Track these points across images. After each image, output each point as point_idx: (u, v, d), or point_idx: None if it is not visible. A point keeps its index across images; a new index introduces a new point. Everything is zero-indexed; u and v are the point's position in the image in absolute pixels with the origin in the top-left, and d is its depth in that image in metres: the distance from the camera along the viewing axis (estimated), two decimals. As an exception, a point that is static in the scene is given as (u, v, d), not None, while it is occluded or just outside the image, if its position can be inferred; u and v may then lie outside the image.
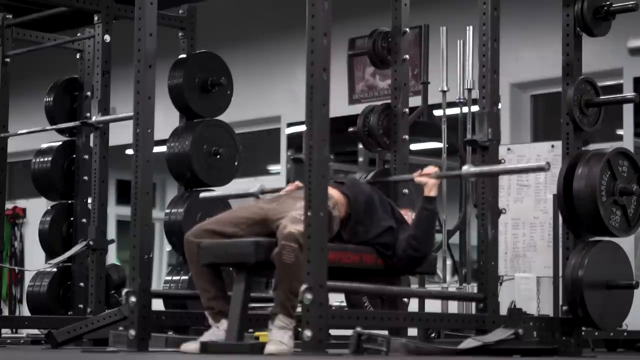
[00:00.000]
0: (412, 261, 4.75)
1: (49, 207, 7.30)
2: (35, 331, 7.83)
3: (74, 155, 7.13)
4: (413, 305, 6.50)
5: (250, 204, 4.84)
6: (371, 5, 8.40)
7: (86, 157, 7.01)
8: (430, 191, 4.76)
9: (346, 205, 4.68)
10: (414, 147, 6.39)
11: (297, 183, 4.99)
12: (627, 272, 5.29)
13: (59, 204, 7.24)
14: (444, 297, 7.05)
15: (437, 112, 7.81)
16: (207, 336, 4.65)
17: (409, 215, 4.94)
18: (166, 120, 6.83)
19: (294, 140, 10.70)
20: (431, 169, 4.82)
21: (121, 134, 7.45)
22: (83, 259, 6.92)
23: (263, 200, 4.82)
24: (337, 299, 7.86)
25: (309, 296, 4.04)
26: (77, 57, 7.40)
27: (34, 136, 7.44)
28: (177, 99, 6.66)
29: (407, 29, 5.66)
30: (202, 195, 6.29)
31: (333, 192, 4.61)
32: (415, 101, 6.95)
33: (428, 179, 4.78)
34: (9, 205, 11.47)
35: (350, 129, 5.75)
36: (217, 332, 4.62)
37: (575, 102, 5.23)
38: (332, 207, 4.54)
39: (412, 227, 4.76)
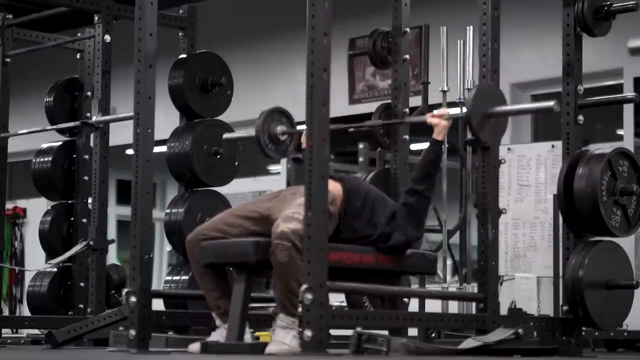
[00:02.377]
0: (410, 211, 4.71)
1: (49, 207, 7.30)
2: (36, 331, 7.83)
3: (74, 155, 7.13)
4: (413, 305, 6.50)
5: (249, 202, 4.84)
6: (371, 5, 8.40)
7: (86, 157, 7.01)
8: (439, 134, 4.75)
9: (343, 199, 4.66)
10: (414, 147, 6.39)
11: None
12: (628, 272, 5.29)
13: (59, 204, 7.24)
14: (444, 297, 7.05)
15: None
16: (214, 336, 4.66)
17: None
18: (166, 120, 6.83)
19: (295, 140, 10.69)
20: (444, 111, 4.81)
21: (121, 134, 7.45)
22: (83, 259, 6.91)
23: (261, 199, 4.81)
24: (337, 299, 7.88)
25: (309, 296, 4.04)
26: (78, 57, 7.40)
27: (34, 136, 7.44)
28: (178, 99, 6.66)
29: (408, 29, 5.66)
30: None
31: (331, 186, 4.61)
32: (415, 101, 6.94)
33: (440, 120, 4.76)
34: (9, 205, 11.48)
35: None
36: (224, 332, 4.62)
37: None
38: (330, 202, 4.54)
39: (416, 169, 4.76)
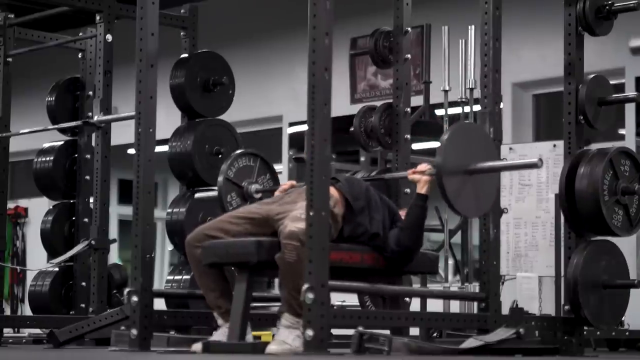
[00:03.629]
0: (400, 256, 4.74)
1: (51, 207, 7.30)
2: (37, 331, 7.83)
3: (76, 155, 7.13)
4: (415, 304, 6.50)
5: (250, 205, 4.84)
6: (373, 4, 8.40)
7: (88, 156, 7.01)
8: (422, 188, 4.75)
9: (344, 202, 4.67)
10: (415, 146, 6.40)
11: (292, 182, 5.00)
12: (626, 271, 5.30)
13: (61, 203, 7.24)
14: (446, 296, 7.05)
15: (439, 112, 7.81)
16: (217, 336, 4.66)
17: (408, 216, 4.94)
18: (168, 119, 6.83)
19: (296, 140, 10.71)
20: (424, 167, 4.79)
21: (123, 134, 7.46)
22: (85, 258, 6.91)
23: (263, 202, 4.82)
24: (339, 299, 7.88)
25: (310, 296, 4.04)
26: (79, 56, 7.40)
27: (35, 136, 7.44)
28: (179, 99, 6.66)
29: (409, 29, 5.67)
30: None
31: (331, 191, 4.61)
32: (417, 100, 6.95)
33: (421, 176, 4.76)
34: (11, 205, 11.50)
35: (351, 130, 5.75)
36: (226, 332, 4.62)
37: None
38: (333, 206, 4.54)
39: (403, 222, 4.77)
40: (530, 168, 4.49)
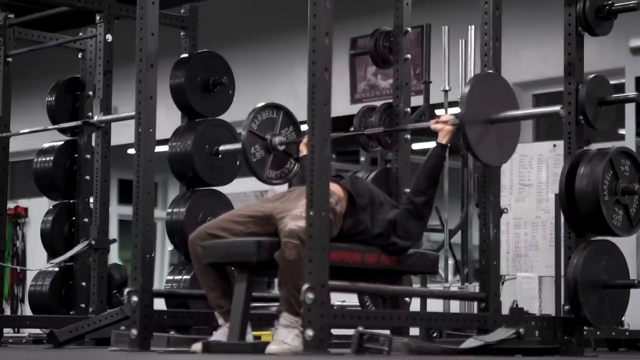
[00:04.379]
0: (415, 212, 4.71)
1: (51, 207, 7.30)
2: (37, 331, 7.84)
3: (76, 155, 7.13)
4: (415, 304, 6.50)
5: (252, 203, 4.84)
6: (373, 4, 8.40)
7: (88, 156, 7.01)
8: (444, 138, 4.74)
9: (347, 199, 4.68)
10: (415, 146, 6.39)
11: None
12: (625, 271, 5.30)
13: (61, 203, 7.23)
14: (446, 296, 7.05)
15: (439, 112, 7.81)
16: (217, 336, 4.66)
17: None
18: (168, 119, 6.83)
19: (296, 140, 10.70)
20: (448, 117, 4.79)
21: (123, 134, 7.46)
22: (85, 258, 6.91)
23: (265, 199, 4.82)
24: (339, 299, 7.88)
25: (310, 295, 4.04)
26: (79, 56, 7.39)
27: (35, 136, 7.44)
28: (179, 99, 6.66)
29: (409, 29, 5.66)
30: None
31: (334, 188, 4.61)
32: (417, 100, 6.95)
33: (444, 125, 4.76)
34: (11, 205, 11.50)
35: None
36: (226, 332, 4.63)
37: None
38: (335, 203, 4.55)
39: (418, 172, 4.76)
40: (552, 115, 4.60)
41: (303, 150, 5.00)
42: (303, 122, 4.25)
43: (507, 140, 4.73)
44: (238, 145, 5.23)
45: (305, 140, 4.94)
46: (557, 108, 4.59)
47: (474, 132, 4.56)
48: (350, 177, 4.82)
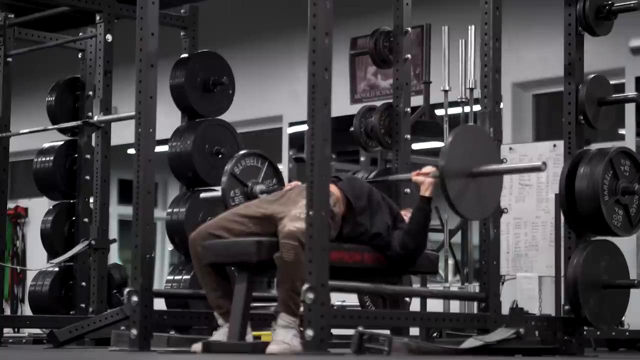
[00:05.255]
0: (404, 258, 4.74)
1: (51, 207, 7.30)
2: (37, 331, 7.84)
3: (76, 155, 7.13)
4: (415, 304, 6.50)
5: (252, 203, 4.83)
6: (373, 4, 8.40)
7: (88, 156, 7.01)
8: (426, 191, 4.74)
9: (345, 201, 4.68)
10: (415, 146, 6.39)
11: (297, 183, 4.99)
12: (627, 271, 5.30)
13: (61, 203, 7.24)
14: (446, 296, 7.05)
15: (439, 112, 7.81)
16: (217, 336, 4.66)
17: (408, 216, 4.93)
18: (168, 119, 6.83)
19: (296, 140, 10.71)
20: (429, 169, 4.78)
21: (123, 134, 7.46)
22: (85, 258, 6.91)
23: (265, 199, 4.82)
24: (339, 299, 7.88)
25: (310, 295, 4.04)
26: (79, 56, 7.39)
27: (35, 136, 7.44)
28: (179, 99, 6.66)
29: (409, 29, 5.66)
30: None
31: (333, 189, 4.61)
32: (417, 100, 6.96)
33: (425, 178, 4.76)
34: (11, 205, 11.49)
35: (351, 129, 5.75)
36: (226, 332, 4.62)
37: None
38: (334, 204, 4.54)
39: (407, 225, 4.77)
40: (533, 171, 4.50)
41: None
42: (303, 122, 4.25)
43: (489, 195, 4.61)
44: (218, 193, 5.20)
45: (286, 187, 4.95)
46: (538, 163, 4.50)
47: (454, 185, 4.44)
48: (348, 179, 4.82)
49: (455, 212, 4.53)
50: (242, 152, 5.21)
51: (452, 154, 4.43)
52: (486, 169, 4.53)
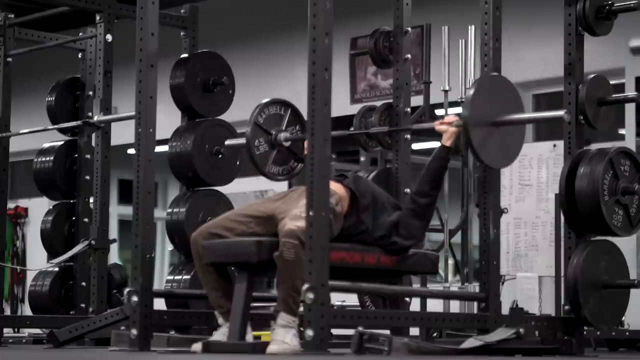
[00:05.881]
0: (418, 212, 4.70)
1: (51, 207, 7.30)
2: (37, 331, 7.84)
3: (76, 155, 7.13)
4: (415, 304, 6.50)
5: (255, 202, 4.84)
6: (373, 4, 8.40)
7: (88, 156, 7.01)
8: (448, 140, 4.72)
9: (349, 200, 4.68)
10: (415, 146, 6.39)
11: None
12: (627, 271, 5.30)
13: (61, 203, 7.24)
14: (446, 296, 7.05)
15: (439, 112, 7.81)
16: (217, 336, 4.66)
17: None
18: (168, 119, 6.83)
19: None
20: (452, 118, 4.77)
21: (123, 134, 7.46)
22: (85, 258, 6.91)
23: (267, 199, 4.82)
24: (339, 299, 7.88)
25: (310, 295, 4.04)
26: (79, 56, 7.39)
27: (35, 136, 7.44)
28: (179, 99, 6.66)
29: (409, 29, 5.66)
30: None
31: (336, 187, 4.61)
32: (417, 100, 6.95)
33: (448, 127, 4.74)
34: (11, 205, 11.49)
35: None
36: (226, 331, 4.62)
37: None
38: (336, 203, 4.54)
39: (422, 173, 4.75)
40: (556, 120, 4.58)
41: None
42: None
43: (511, 143, 4.71)
44: (242, 141, 5.14)
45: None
46: (560, 112, 4.57)
47: (478, 134, 4.54)
48: (353, 177, 4.82)
49: (478, 160, 4.62)
50: (264, 101, 5.13)
51: (475, 103, 4.47)
52: (509, 118, 4.58)
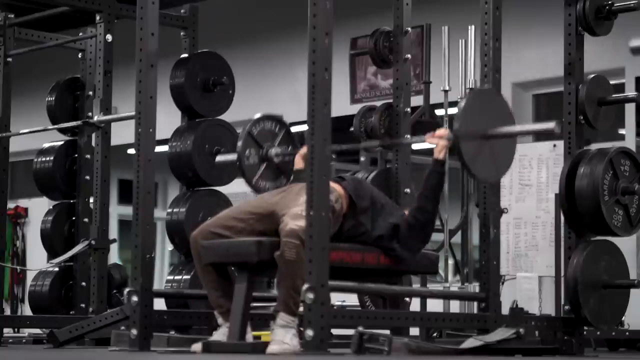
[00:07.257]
0: (418, 228, 4.70)
1: (51, 207, 7.30)
2: (37, 331, 7.84)
3: (76, 155, 7.13)
4: (415, 304, 6.50)
5: (253, 199, 4.83)
6: (373, 4, 8.40)
7: (88, 156, 7.01)
8: (440, 153, 4.72)
9: (348, 201, 4.67)
10: (415, 146, 6.39)
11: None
12: (627, 271, 5.30)
13: (61, 203, 7.24)
14: (446, 296, 7.05)
15: (439, 112, 7.81)
16: (217, 336, 4.65)
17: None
18: (168, 119, 6.82)
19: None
20: (443, 131, 4.76)
21: (123, 134, 7.46)
22: (85, 258, 6.91)
23: (267, 194, 4.81)
24: (339, 299, 7.88)
25: (310, 295, 4.04)
26: (79, 56, 7.39)
27: (35, 136, 7.45)
28: (179, 99, 6.66)
29: (409, 29, 5.67)
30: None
31: (335, 186, 4.61)
32: (417, 100, 6.96)
33: (439, 140, 4.74)
34: (11, 205, 11.49)
35: (351, 129, 5.75)
36: (226, 331, 4.62)
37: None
38: (335, 200, 4.54)
39: (420, 189, 4.75)
40: (547, 133, 4.55)
41: (299, 163, 4.95)
42: (303, 122, 4.24)
43: (503, 157, 4.63)
44: (234, 157, 5.13)
45: (301, 152, 4.90)
46: (551, 125, 4.52)
47: (469, 148, 4.47)
48: (352, 179, 4.81)
49: (469, 174, 4.63)
50: (260, 115, 5.12)
51: (466, 116, 4.46)
52: (500, 131, 4.55)
